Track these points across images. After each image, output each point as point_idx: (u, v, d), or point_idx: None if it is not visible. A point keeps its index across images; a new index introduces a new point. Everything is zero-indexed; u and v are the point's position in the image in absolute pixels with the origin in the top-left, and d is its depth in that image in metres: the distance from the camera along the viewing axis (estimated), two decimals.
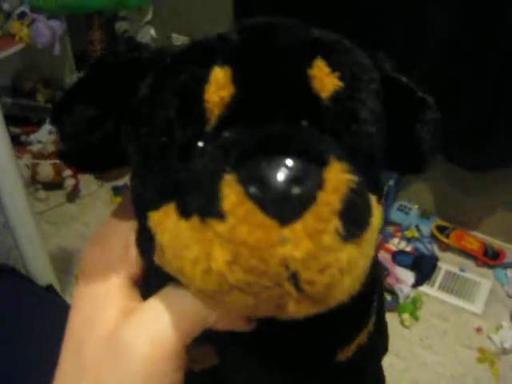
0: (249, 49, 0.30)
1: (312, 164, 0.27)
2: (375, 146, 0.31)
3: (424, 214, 1.89)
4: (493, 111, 1.49)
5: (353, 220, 0.27)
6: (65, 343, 0.34)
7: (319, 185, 0.26)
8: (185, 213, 0.28)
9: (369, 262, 0.29)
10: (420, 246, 1.79)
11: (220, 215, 0.26)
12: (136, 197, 0.33)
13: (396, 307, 1.59)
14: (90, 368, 0.32)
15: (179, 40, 2.13)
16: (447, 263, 1.77)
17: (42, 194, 1.95)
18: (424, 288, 1.69)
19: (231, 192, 0.26)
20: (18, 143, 2.01)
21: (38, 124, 2.14)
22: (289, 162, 0.26)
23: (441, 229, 1.82)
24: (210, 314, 0.31)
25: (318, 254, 0.26)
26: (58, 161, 1.91)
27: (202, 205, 0.27)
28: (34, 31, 1.88)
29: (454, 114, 1.48)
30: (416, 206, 1.88)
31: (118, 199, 1.90)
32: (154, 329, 0.31)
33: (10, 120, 1.29)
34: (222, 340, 0.34)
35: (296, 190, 0.26)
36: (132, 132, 0.31)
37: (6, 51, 1.86)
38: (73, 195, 1.95)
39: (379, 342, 0.45)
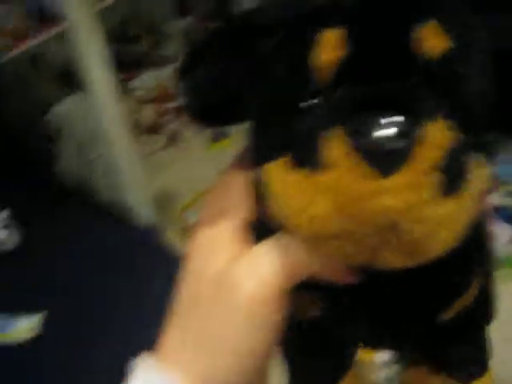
0: (360, 10, 0.30)
1: (416, 121, 0.27)
2: (484, 105, 0.31)
3: None
4: None
5: (452, 176, 0.28)
6: (182, 277, 0.37)
7: (423, 140, 0.27)
8: (297, 164, 0.29)
9: (468, 218, 0.30)
10: None
11: (327, 166, 0.27)
12: (254, 149, 0.34)
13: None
14: (201, 302, 0.35)
15: None
16: None
17: (144, 137, 2.02)
18: None
19: (338, 144, 0.27)
20: (122, 88, 2.07)
21: (142, 70, 2.19)
22: (394, 118, 0.27)
23: None
24: (315, 262, 0.33)
25: (417, 205, 0.27)
26: (160, 105, 1.95)
27: (311, 157, 0.28)
28: None
29: None
30: None
31: (217, 145, 1.93)
32: (261, 270, 0.33)
33: (115, 65, 1.32)
34: (327, 291, 0.35)
35: (400, 144, 0.27)
36: (252, 89, 0.33)
37: None
38: (173, 139, 1.99)
39: (485, 308, 0.45)
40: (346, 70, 0.30)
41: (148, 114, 1.99)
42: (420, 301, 0.38)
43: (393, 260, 0.29)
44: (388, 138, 0.27)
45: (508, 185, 1.76)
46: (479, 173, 0.30)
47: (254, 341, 0.34)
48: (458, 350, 0.46)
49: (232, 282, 0.33)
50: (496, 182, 1.77)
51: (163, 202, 1.72)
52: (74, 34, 1.17)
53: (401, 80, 0.30)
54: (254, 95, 0.33)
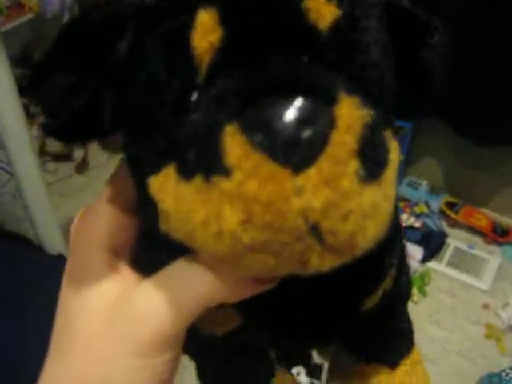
0: None
1: (320, 102, 0.24)
2: (384, 75, 0.28)
3: (433, 190, 1.89)
4: (507, 84, 1.47)
5: (371, 159, 0.24)
6: (56, 322, 0.33)
7: (331, 124, 0.24)
8: (186, 173, 0.25)
9: (392, 204, 0.27)
10: (429, 221, 1.78)
11: (225, 171, 0.23)
12: (132, 163, 0.30)
13: None
14: (81, 341, 0.31)
15: None
16: (456, 239, 1.77)
17: (50, 165, 1.95)
18: (432, 264, 1.69)
19: (235, 144, 0.23)
20: (27, 114, 2.00)
21: None
22: (295, 102, 0.24)
23: (450, 205, 1.82)
24: (217, 294, 0.29)
25: (337, 200, 0.23)
26: None
27: (204, 163, 0.24)
28: (43, 0, 1.86)
29: (466, 84, 1.46)
30: (425, 182, 1.88)
31: None
32: (156, 316, 0.30)
33: (19, 91, 1.27)
34: (243, 305, 0.31)
35: (306, 133, 0.23)
36: (117, 93, 0.29)
37: (15, 21, 1.84)
38: (81, 167, 1.94)
39: (403, 286, 0.44)
40: (229, 54, 0.26)
41: (55, 140, 1.93)
42: (344, 293, 0.35)
43: (320, 264, 0.26)
44: (291, 128, 0.23)
45: (416, 206, 1.82)
46: (393, 149, 0.27)
47: (145, 382, 0.30)
48: (382, 335, 0.45)
49: (128, 321, 0.30)
50: (404, 205, 1.84)
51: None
52: None
53: (293, 59, 0.26)
54: (119, 101, 0.28)
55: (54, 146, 1.93)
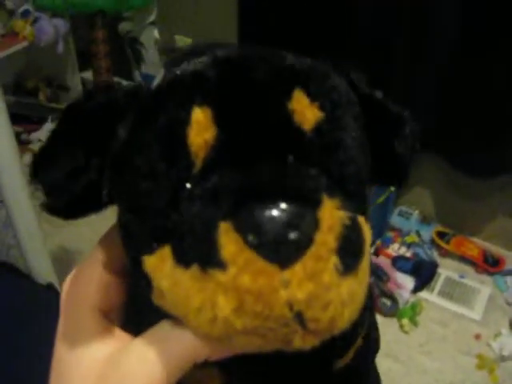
0: (225, 86, 0.30)
1: (306, 205, 0.27)
2: (361, 169, 0.32)
3: (424, 220, 1.90)
4: (499, 117, 1.49)
5: (349, 254, 0.27)
6: (52, 373, 0.34)
7: (315, 225, 0.27)
8: (183, 261, 0.28)
9: (366, 289, 0.30)
10: (420, 251, 1.79)
11: (221, 265, 0.26)
12: (127, 238, 0.32)
13: (395, 312, 1.59)
14: None
15: (182, 41, 2.13)
16: (447, 269, 1.77)
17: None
18: (423, 294, 1.69)
19: (229, 241, 0.26)
20: (19, 142, 2.00)
21: (40, 123, 2.14)
22: (283, 205, 0.27)
23: (441, 235, 1.82)
24: (202, 351, 0.31)
25: (319, 292, 0.26)
26: None
27: (201, 254, 0.27)
28: (37, 30, 1.88)
29: (460, 118, 1.48)
30: (417, 212, 1.88)
31: None
32: (143, 373, 0.31)
33: (11, 118, 1.28)
34: (224, 361, 0.34)
35: (292, 235, 0.26)
36: (115, 178, 0.31)
37: (9, 49, 1.86)
38: None
39: (373, 341, 0.46)
40: (222, 151, 0.29)
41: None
42: (318, 355, 0.37)
43: (302, 344, 0.29)
44: (279, 230, 0.26)
45: (407, 236, 1.83)
46: (367, 237, 0.29)
47: None
48: None
49: (119, 378, 0.31)
50: (395, 234, 1.84)
51: (63, 259, 1.66)
52: None
53: (280, 158, 0.29)
54: (116, 184, 0.31)
55: None
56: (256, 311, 0.26)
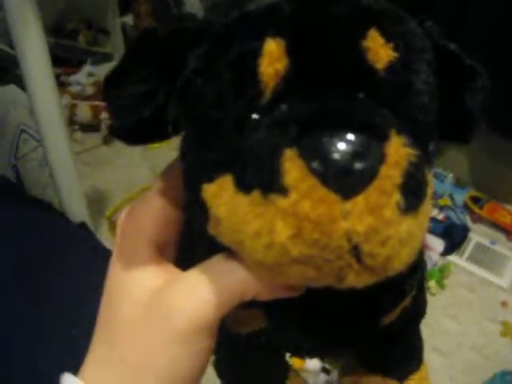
0: (301, 19, 0.29)
1: (373, 138, 0.27)
2: (429, 116, 0.31)
3: (459, 183, 1.87)
4: None
5: (412, 193, 0.27)
6: (103, 299, 0.36)
7: (380, 159, 0.26)
8: (244, 186, 0.28)
9: (424, 234, 0.30)
10: (452, 214, 1.77)
11: (282, 190, 0.26)
12: (188, 167, 0.32)
13: None
14: (124, 329, 0.33)
15: None
16: (478, 235, 1.75)
17: (78, 135, 1.97)
18: (453, 257, 1.68)
19: (293, 167, 0.26)
20: (57, 84, 2.01)
21: (79, 65, 2.14)
22: (350, 136, 0.26)
23: (475, 199, 1.80)
24: (253, 287, 0.31)
25: (379, 227, 0.26)
26: (96, 102, 1.92)
27: (264, 180, 0.27)
28: None
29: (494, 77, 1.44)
30: (451, 175, 1.86)
31: (153, 145, 1.90)
32: (192, 304, 0.32)
33: (51, 60, 1.28)
34: (269, 304, 0.34)
35: (358, 166, 0.26)
36: (182, 106, 0.31)
37: None
38: (109, 138, 1.95)
39: (420, 304, 0.46)
40: (292, 82, 0.29)
41: (84, 110, 1.94)
42: (365, 308, 0.38)
43: (356, 281, 0.29)
44: (345, 159, 0.26)
45: (440, 199, 1.81)
46: (430, 185, 0.30)
47: (183, 369, 0.32)
48: (395, 350, 0.47)
49: (167, 308, 0.32)
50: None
51: (96, 200, 1.69)
52: (12, 24, 1.13)
53: (350, 94, 0.29)
54: (185, 110, 0.31)
55: (82, 116, 1.94)
56: (313, 239, 0.26)
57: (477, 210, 1.77)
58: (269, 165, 0.27)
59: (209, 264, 0.32)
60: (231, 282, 0.31)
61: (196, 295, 0.32)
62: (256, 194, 0.27)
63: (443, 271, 1.60)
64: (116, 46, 2.24)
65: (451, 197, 1.82)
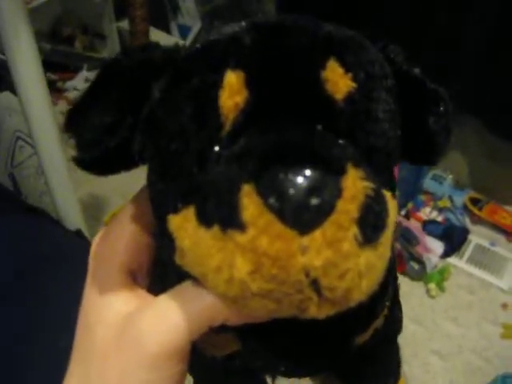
0: (261, 51, 0.29)
1: (330, 173, 0.27)
2: (390, 143, 0.31)
3: (458, 185, 1.86)
4: None
5: (370, 225, 0.27)
6: (79, 321, 0.36)
7: (338, 193, 0.27)
8: (205, 221, 0.28)
9: (386, 263, 0.30)
10: (451, 216, 1.76)
11: (241, 226, 0.26)
12: (154, 196, 0.33)
13: (423, 276, 1.58)
14: (99, 352, 0.33)
15: None
16: (478, 236, 1.75)
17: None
18: (452, 259, 1.67)
19: (251, 203, 0.26)
20: (54, 90, 2.02)
21: (75, 71, 2.14)
22: (307, 171, 0.27)
23: (474, 201, 1.79)
24: (222, 313, 0.31)
25: (337, 261, 0.27)
26: None
27: (223, 215, 0.27)
28: None
29: (493, 77, 1.44)
30: (450, 177, 1.85)
31: None
32: (162, 329, 0.32)
33: (47, 66, 1.28)
34: (241, 328, 0.34)
35: (314, 201, 0.26)
36: (146, 137, 0.31)
37: None
38: None
39: (395, 323, 0.46)
40: (252, 115, 0.29)
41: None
42: (336, 330, 0.38)
43: (317, 312, 0.29)
44: (301, 194, 0.26)
45: (439, 201, 1.80)
46: (391, 212, 0.29)
47: None
48: (371, 367, 0.47)
49: (137, 333, 0.32)
50: (427, 198, 1.82)
51: (93, 207, 1.68)
52: (5, 31, 1.13)
53: (309, 125, 0.29)
54: (148, 142, 0.31)
55: None
56: (272, 275, 0.26)
57: (476, 212, 1.77)
58: (227, 200, 0.27)
59: (179, 290, 0.33)
60: (200, 308, 0.31)
61: (166, 320, 0.32)
62: (216, 229, 0.27)
63: (443, 273, 1.60)
64: (112, 51, 2.25)
65: (451, 198, 1.81)
